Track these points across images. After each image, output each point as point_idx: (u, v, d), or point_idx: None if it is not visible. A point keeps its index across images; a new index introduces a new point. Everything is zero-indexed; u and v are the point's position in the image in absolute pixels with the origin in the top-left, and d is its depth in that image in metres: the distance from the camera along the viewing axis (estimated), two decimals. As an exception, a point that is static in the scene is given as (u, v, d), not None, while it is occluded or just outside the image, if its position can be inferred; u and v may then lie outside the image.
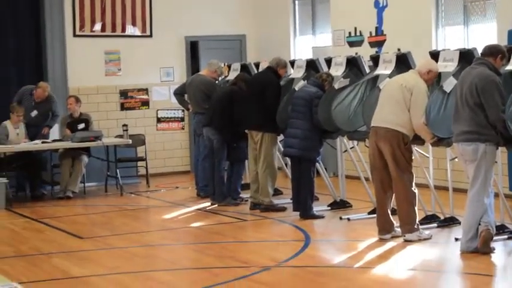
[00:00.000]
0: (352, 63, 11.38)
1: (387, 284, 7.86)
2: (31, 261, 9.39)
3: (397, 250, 9.18)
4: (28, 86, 15.12)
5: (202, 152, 13.40)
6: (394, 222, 9.69)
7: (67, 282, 8.35)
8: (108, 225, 11.84)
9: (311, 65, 12.24)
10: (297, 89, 11.70)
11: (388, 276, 8.11)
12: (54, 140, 14.52)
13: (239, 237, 10.62)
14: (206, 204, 12.94)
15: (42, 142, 14.30)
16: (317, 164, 11.60)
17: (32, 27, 16.87)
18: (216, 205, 12.69)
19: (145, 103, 17.39)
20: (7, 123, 14.39)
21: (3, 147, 13.96)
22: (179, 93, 14.27)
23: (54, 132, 14.86)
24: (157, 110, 16.59)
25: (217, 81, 13.78)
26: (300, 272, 8.39)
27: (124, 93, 17.24)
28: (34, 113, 14.86)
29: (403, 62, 10.39)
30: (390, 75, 10.25)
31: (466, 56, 9.56)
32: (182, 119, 16.44)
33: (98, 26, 17.06)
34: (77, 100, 14.89)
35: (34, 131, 14.77)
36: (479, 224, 8.59)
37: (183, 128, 16.83)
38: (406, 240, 9.43)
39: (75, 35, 16.87)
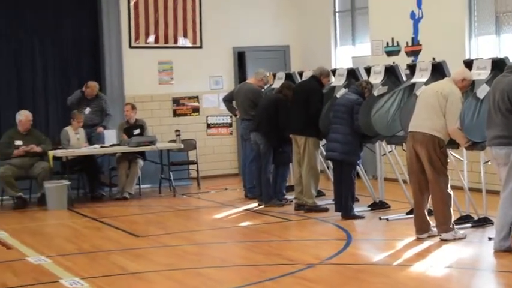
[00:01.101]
0: (390, 72, 11.34)
1: (424, 281, 7.81)
2: (91, 257, 9.46)
3: (434, 249, 9.12)
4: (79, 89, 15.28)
5: (250, 156, 13.42)
6: (431, 222, 9.63)
7: (124, 277, 8.38)
8: (162, 225, 11.90)
9: (351, 74, 12.22)
10: (338, 96, 11.68)
11: (425, 274, 8.05)
12: (112, 145, 14.58)
13: (284, 236, 10.61)
14: (253, 205, 12.94)
15: (101, 146, 14.41)
16: (357, 167, 11.58)
17: (91, 39, 17.04)
18: (263, 206, 12.69)
19: (196, 110, 17.44)
20: (68, 129, 14.52)
21: (65, 151, 14.08)
22: (228, 101, 14.31)
23: (112, 137, 14.95)
24: (207, 116, 16.65)
25: (263, 89, 13.79)
26: (342, 269, 8.36)
27: (176, 101, 17.31)
28: (87, 110, 15.02)
29: (438, 71, 10.35)
30: (426, 83, 10.21)
31: (498, 65, 9.53)
32: (230, 125, 16.49)
33: (151, 38, 17.14)
34: (133, 107, 15.00)
35: (89, 131, 14.90)
36: (512, 224, 8.55)
37: (231, 133, 16.88)
38: (442, 240, 9.38)
39: (130, 47, 16.98)
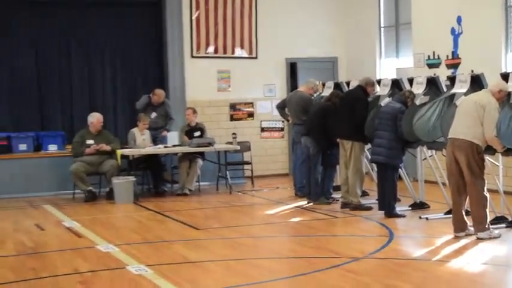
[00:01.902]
0: (432, 83, 11.25)
1: (461, 276, 7.74)
2: (155, 247, 9.51)
3: (470, 246, 9.03)
4: (147, 94, 15.41)
5: (300, 158, 13.42)
6: (468, 222, 9.56)
7: (186, 265, 8.41)
8: (219, 219, 11.94)
9: (395, 84, 12.15)
10: (383, 104, 11.63)
11: (462, 269, 7.98)
12: (174, 145, 14.69)
13: (331, 231, 10.59)
14: (303, 202, 12.91)
15: (164, 147, 14.52)
16: (400, 169, 11.52)
17: (156, 49, 17.21)
18: (311, 203, 12.68)
19: (251, 115, 17.50)
20: (135, 130, 14.65)
21: (132, 150, 14.21)
22: (280, 107, 14.33)
23: (174, 138, 15.03)
24: (261, 120, 16.67)
25: (313, 97, 13.79)
26: (385, 262, 8.32)
27: (233, 106, 17.38)
28: (153, 114, 15.13)
29: (476, 82, 10.24)
30: (465, 94, 10.12)
31: (532, 77, 9.44)
32: (282, 129, 16.48)
33: (211, 49, 17.23)
34: (194, 111, 15.09)
35: (154, 133, 15.01)
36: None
37: (282, 137, 16.88)
38: (478, 238, 9.29)
39: (192, 56, 17.09)
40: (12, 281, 7.82)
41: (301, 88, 14.07)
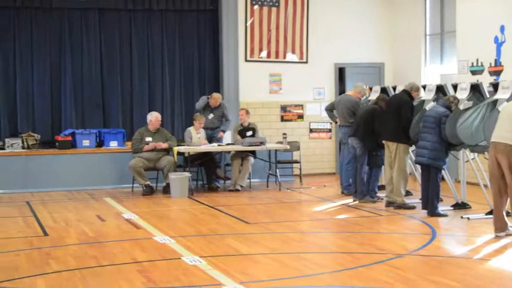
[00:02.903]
0: (475, 89, 11.08)
1: (501, 274, 7.61)
2: (209, 239, 9.52)
3: (510, 246, 8.88)
4: (205, 96, 15.45)
5: (347, 158, 13.34)
6: (508, 222, 9.40)
7: (238, 258, 8.41)
8: (269, 214, 11.90)
9: (440, 89, 11.99)
10: (427, 108, 11.48)
11: (503, 267, 7.83)
12: (228, 144, 14.72)
13: (376, 228, 10.49)
14: (349, 200, 12.82)
15: (218, 145, 14.54)
16: (443, 171, 11.38)
17: (212, 53, 17.28)
18: (357, 202, 12.58)
19: (301, 116, 17.44)
20: (191, 129, 14.70)
21: (188, 148, 14.25)
22: (329, 109, 14.25)
23: (227, 137, 15.04)
24: (310, 122, 16.61)
25: (360, 100, 13.69)
26: (428, 260, 8.20)
27: (283, 108, 17.35)
28: (210, 116, 15.15)
29: (519, 88, 10.09)
30: (508, 99, 9.97)
31: None
32: (330, 130, 16.41)
33: (264, 53, 17.22)
34: (247, 112, 15.10)
35: (210, 133, 15.04)
36: None
37: (330, 138, 16.80)
38: (518, 238, 9.17)
39: (246, 60, 17.10)
40: (75, 268, 7.88)
41: (349, 92, 13.99)
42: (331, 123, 15.63)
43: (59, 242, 9.45)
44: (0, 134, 15.50)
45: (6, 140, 15.32)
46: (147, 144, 14.30)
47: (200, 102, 15.23)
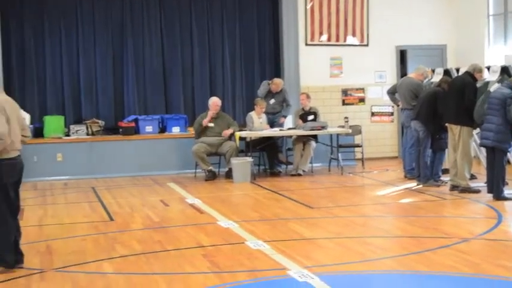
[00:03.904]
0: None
1: None
2: (272, 224, 9.52)
3: None
4: (267, 80, 15.45)
5: (410, 141, 13.20)
6: None
7: (301, 242, 8.42)
8: (332, 198, 11.85)
9: (505, 70, 11.79)
10: (492, 90, 11.28)
11: None
12: (289, 128, 14.69)
13: (440, 212, 10.36)
14: (412, 184, 12.68)
15: (280, 130, 14.53)
16: (508, 153, 11.17)
17: (272, 38, 17.25)
18: (421, 185, 12.44)
19: (362, 100, 17.33)
20: (252, 113, 14.71)
21: (250, 133, 14.27)
22: (391, 92, 14.11)
23: (289, 122, 15.02)
24: (372, 105, 16.48)
25: (423, 83, 13.52)
26: (494, 244, 8.08)
27: (345, 92, 17.25)
28: (272, 101, 15.15)
29: None
30: None
31: None
32: (392, 114, 16.26)
33: (324, 37, 17.13)
34: (308, 96, 15.05)
35: (271, 118, 15.03)
36: None
37: (392, 121, 16.64)
38: None
39: (306, 44, 17.02)
40: (140, 253, 7.98)
41: (412, 74, 13.83)
42: (393, 106, 15.47)
43: (124, 227, 9.58)
44: (66, 121, 15.74)
45: (71, 126, 15.58)
46: (205, 128, 14.37)
47: (262, 89, 15.22)
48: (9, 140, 7.13)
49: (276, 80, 15.33)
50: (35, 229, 9.57)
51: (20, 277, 7.11)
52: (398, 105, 14.16)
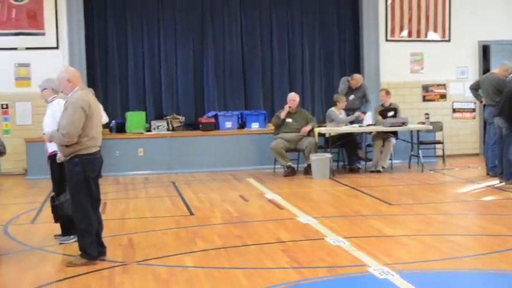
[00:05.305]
0: None
1: None
2: (351, 220, 9.47)
3: None
4: (346, 77, 15.38)
5: (492, 138, 12.95)
6: None
7: (381, 239, 8.34)
8: (412, 195, 11.71)
9: None
10: None
11: None
12: (369, 125, 14.58)
13: (525, 211, 10.17)
14: (494, 182, 12.44)
15: (359, 126, 14.44)
16: None
17: (352, 33, 17.16)
18: (504, 183, 12.18)
19: (443, 96, 17.07)
20: (334, 109, 14.64)
21: (329, 129, 14.22)
22: (474, 88, 13.85)
23: (369, 118, 14.91)
24: (453, 102, 16.25)
25: (507, 79, 13.24)
26: None
27: (425, 88, 17.03)
28: (351, 97, 15.08)
29: None
30: None
31: None
32: (474, 110, 16.02)
33: (405, 33, 16.95)
34: (387, 92, 14.92)
35: (351, 113, 14.94)
36: None
37: (474, 118, 16.39)
38: None
39: (386, 40, 16.89)
40: (220, 247, 8.04)
41: (495, 70, 13.54)
42: (475, 102, 15.23)
43: (205, 221, 9.67)
44: (147, 116, 15.97)
45: (152, 122, 15.80)
46: (286, 124, 14.38)
47: (342, 86, 15.17)
48: (75, 139, 7.28)
49: (356, 76, 15.25)
50: (117, 222, 9.75)
51: (102, 269, 7.25)
52: (481, 102, 13.90)
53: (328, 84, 16.89)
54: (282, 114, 14.38)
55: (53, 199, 8.44)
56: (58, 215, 8.35)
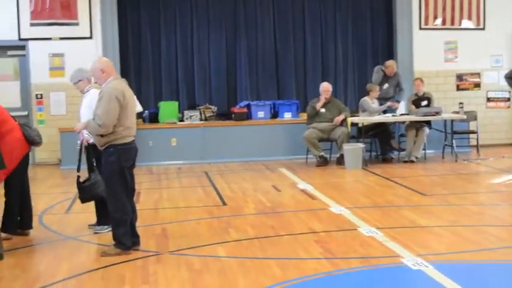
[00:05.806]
0: None
1: None
2: (384, 211, 9.42)
3: None
4: (379, 66, 15.27)
5: (527, 128, 12.84)
6: None
7: (415, 230, 8.29)
8: (446, 186, 11.62)
9: None
10: None
11: None
12: (402, 114, 14.48)
13: (560, 201, 10.05)
14: (530, 172, 12.38)
15: (392, 115, 14.36)
16: None
17: (385, 22, 17.06)
18: (541, 174, 12.12)
19: (477, 85, 16.91)
20: (367, 98, 14.55)
21: (362, 118, 14.15)
22: (509, 77, 13.67)
23: (402, 107, 14.81)
24: (487, 91, 16.09)
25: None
26: None
27: (459, 77, 16.88)
28: (385, 85, 14.98)
29: None
30: None
31: None
32: (508, 99, 15.86)
33: (438, 21, 16.80)
34: (421, 81, 14.84)
35: (384, 103, 14.84)
36: None
37: (508, 107, 16.23)
38: None
39: (420, 28, 16.76)
40: (253, 237, 8.05)
41: (530, 59, 13.41)
42: (509, 91, 15.06)
43: (237, 211, 9.69)
44: (180, 106, 16.02)
45: (185, 112, 15.84)
46: (319, 114, 14.34)
47: (376, 76, 15.04)
48: (111, 129, 7.30)
49: (389, 62, 15.12)
50: (151, 212, 9.81)
51: (136, 259, 7.29)
52: (517, 91, 13.78)
53: (361, 74, 16.83)
54: (318, 105, 14.33)
55: (78, 179, 8.33)
56: (89, 194, 8.29)
